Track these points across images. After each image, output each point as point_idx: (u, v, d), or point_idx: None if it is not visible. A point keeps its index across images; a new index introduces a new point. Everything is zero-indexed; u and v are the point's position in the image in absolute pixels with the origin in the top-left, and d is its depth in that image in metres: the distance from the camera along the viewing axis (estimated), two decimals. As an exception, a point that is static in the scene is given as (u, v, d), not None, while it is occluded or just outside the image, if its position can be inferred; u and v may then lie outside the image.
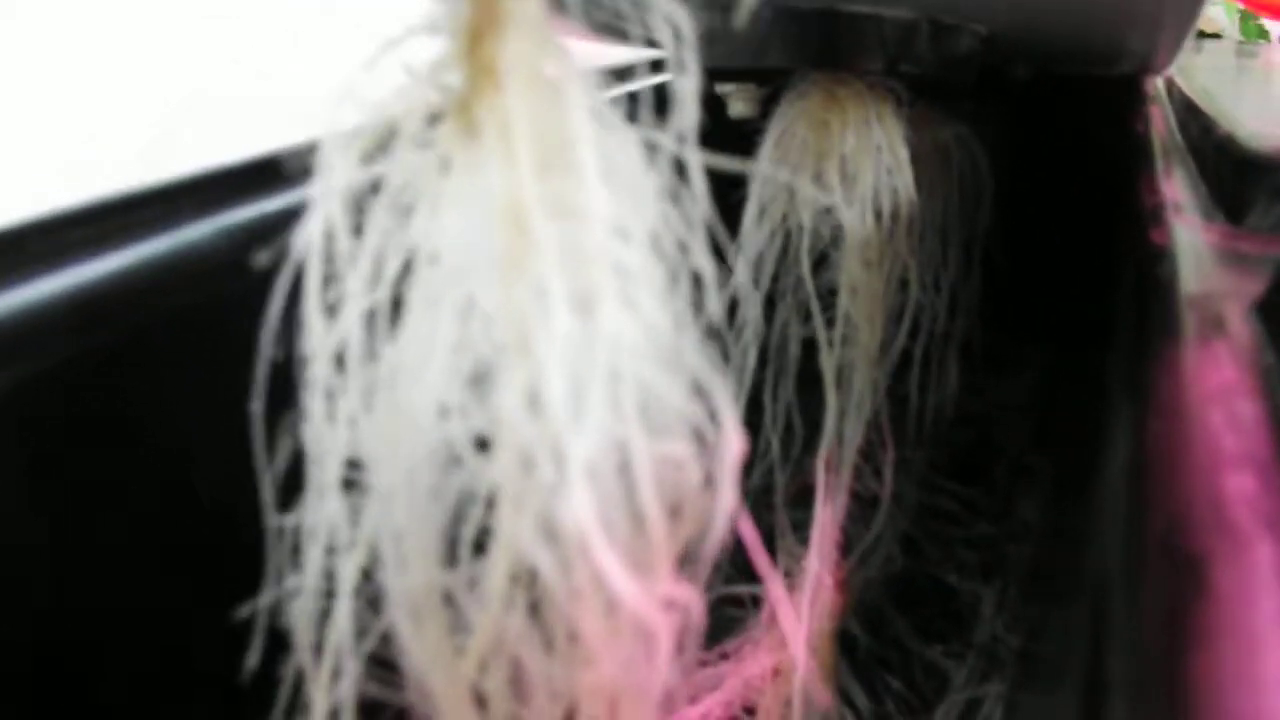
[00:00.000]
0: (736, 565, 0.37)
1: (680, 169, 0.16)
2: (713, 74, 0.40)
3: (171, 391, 0.24)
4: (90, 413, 0.23)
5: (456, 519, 0.16)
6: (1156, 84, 0.44)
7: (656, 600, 0.15)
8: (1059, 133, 0.47)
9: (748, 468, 0.35)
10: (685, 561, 0.16)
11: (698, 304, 0.17)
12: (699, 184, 0.17)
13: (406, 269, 0.16)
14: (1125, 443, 0.18)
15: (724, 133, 0.38)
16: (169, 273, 0.24)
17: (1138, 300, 0.24)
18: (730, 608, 0.36)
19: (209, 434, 0.23)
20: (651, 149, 0.16)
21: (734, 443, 0.15)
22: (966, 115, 0.42)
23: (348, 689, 0.17)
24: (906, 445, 0.44)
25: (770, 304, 0.34)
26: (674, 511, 0.15)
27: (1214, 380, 0.18)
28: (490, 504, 0.15)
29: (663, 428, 0.15)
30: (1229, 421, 0.17)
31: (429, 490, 0.15)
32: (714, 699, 0.33)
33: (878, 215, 0.31)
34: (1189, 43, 0.39)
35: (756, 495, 0.36)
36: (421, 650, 0.16)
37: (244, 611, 0.17)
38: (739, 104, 0.39)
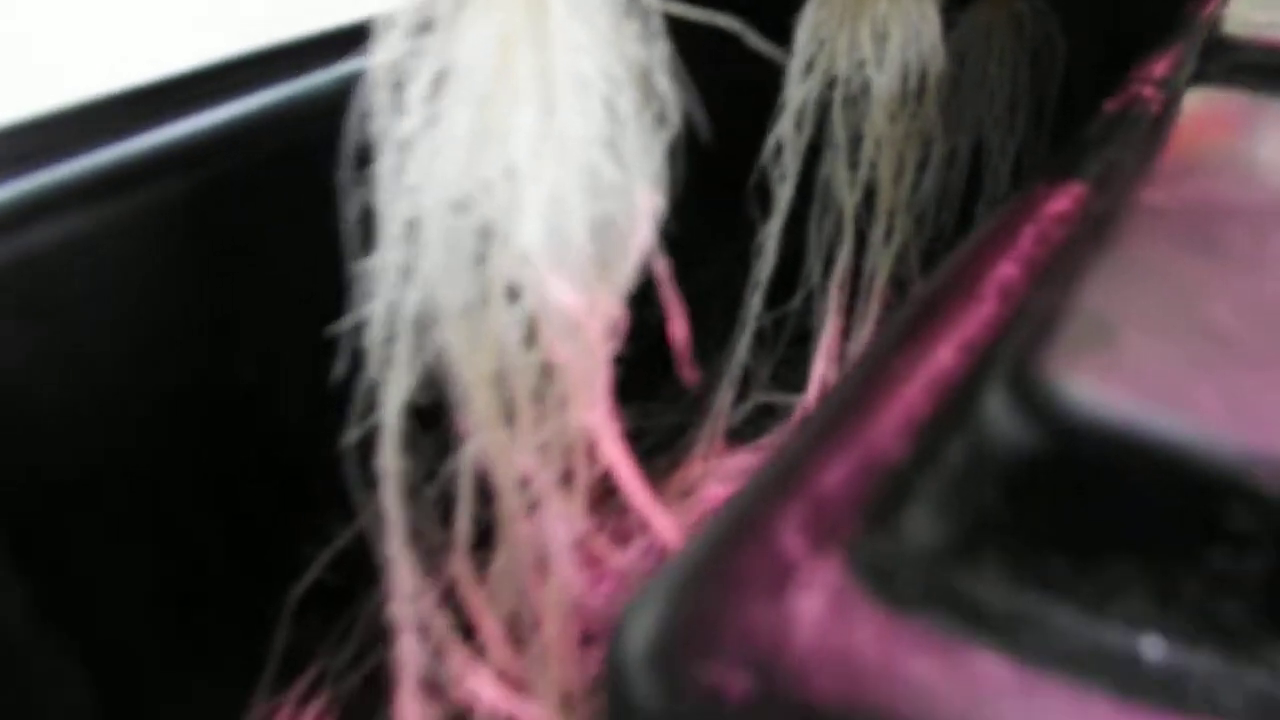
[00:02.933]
0: (775, 377, 0.45)
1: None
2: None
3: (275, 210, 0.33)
4: (211, 229, 0.32)
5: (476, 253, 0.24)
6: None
7: (591, 307, 0.23)
8: (1127, 11, 0.51)
9: (788, 294, 0.43)
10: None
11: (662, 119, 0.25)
12: (657, 25, 0.24)
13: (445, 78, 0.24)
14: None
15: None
16: (297, 115, 0.33)
17: (1058, 154, 0.30)
18: (765, 417, 0.44)
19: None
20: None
21: (650, 204, 0.23)
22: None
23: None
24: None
25: (816, 150, 0.41)
26: (611, 249, 0.24)
27: (1053, 208, 0.25)
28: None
29: (603, 194, 0.23)
30: (1036, 236, 0.23)
31: (455, 231, 0.24)
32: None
33: (905, 74, 0.38)
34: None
35: (799, 318, 0.44)
36: (453, 345, 0.25)
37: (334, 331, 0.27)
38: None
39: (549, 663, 0.28)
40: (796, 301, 0.43)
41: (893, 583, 0.12)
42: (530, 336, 0.25)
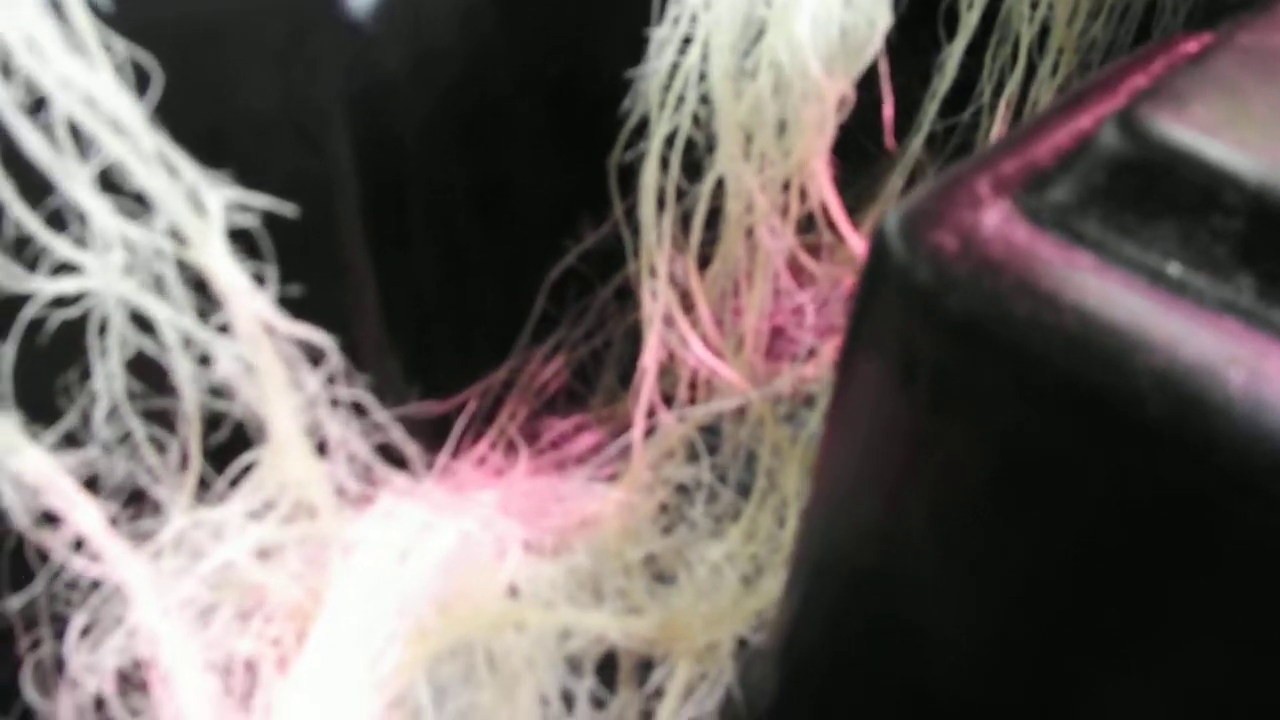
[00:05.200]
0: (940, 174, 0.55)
1: None
2: None
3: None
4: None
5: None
6: None
7: (831, 85, 0.33)
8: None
9: (959, 109, 0.52)
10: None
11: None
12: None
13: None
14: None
15: None
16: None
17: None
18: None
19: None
20: None
21: (883, 20, 0.32)
22: None
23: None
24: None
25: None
26: (851, 48, 0.33)
27: (1185, 49, 0.33)
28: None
29: (851, 8, 0.33)
30: (1166, 63, 0.32)
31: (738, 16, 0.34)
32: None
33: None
34: None
35: (966, 131, 0.53)
36: (719, 98, 0.35)
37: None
38: None
39: (744, 342, 0.39)
40: (966, 116, 0.51)
41: (1035, 215, 0.22)
42: (779, 98, 0.35)
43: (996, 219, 0.21)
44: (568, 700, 0.35)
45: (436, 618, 0.34)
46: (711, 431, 0.41)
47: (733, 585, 0.36)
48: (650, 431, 0.40)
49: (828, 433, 0.25)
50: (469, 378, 0.41)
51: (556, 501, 0.40)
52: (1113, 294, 0.20)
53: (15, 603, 0.32)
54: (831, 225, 0.39)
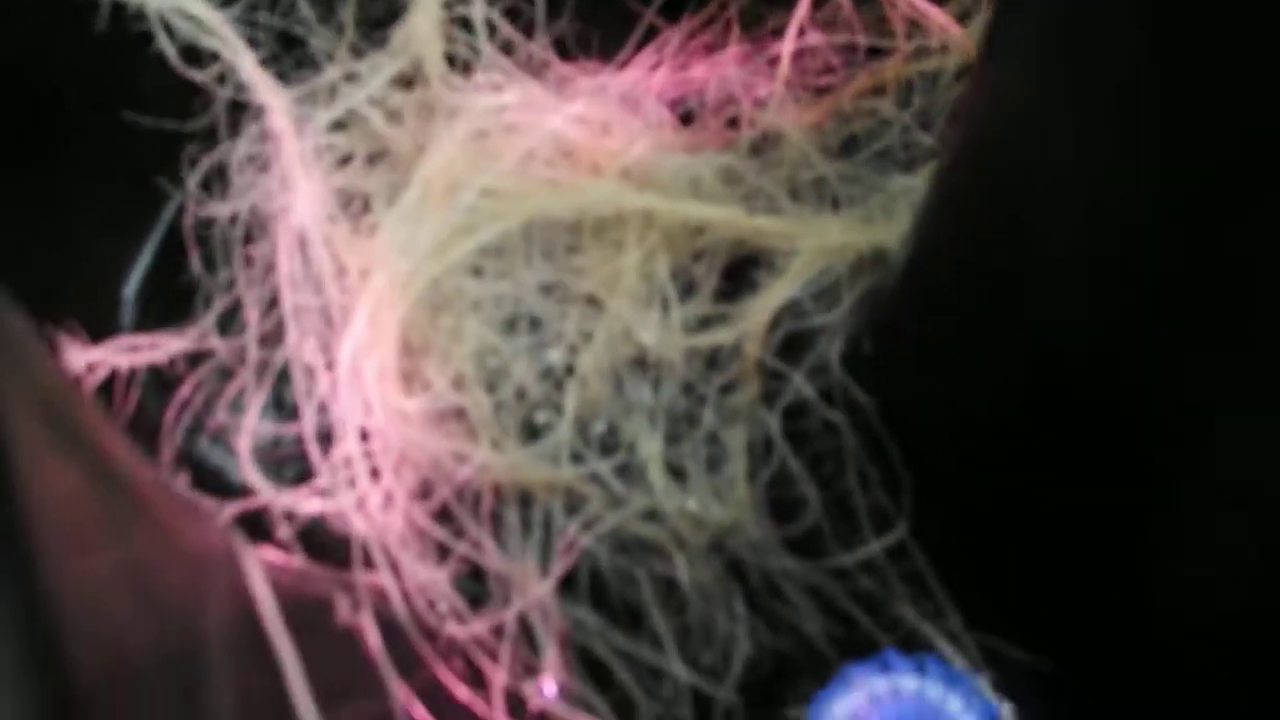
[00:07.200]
0: None
1: None
2: None
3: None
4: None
5: None
6: None
7: None
8: None
9: None
10: None
11: None
12: None
13: None
14: None
15: None
16: None
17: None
18: None
19: None
20: None
21: None
22: None
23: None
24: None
25: None
26: None
27: None
28: None
29: None
30: None
31: None
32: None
33: None
34: None
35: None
36: None
37: None
38: None
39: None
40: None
41: None
42: None
43: None
44: (689, 287, 0.34)
45: (543, 186, 0.35)
46: (931, 80, 0.38)
47: (900, 213, 0.34)
48: (856, 54, 0.38)
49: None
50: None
51: (747, 99, 0.39)
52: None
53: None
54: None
